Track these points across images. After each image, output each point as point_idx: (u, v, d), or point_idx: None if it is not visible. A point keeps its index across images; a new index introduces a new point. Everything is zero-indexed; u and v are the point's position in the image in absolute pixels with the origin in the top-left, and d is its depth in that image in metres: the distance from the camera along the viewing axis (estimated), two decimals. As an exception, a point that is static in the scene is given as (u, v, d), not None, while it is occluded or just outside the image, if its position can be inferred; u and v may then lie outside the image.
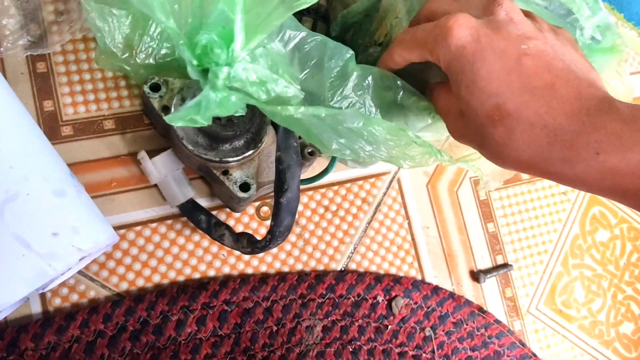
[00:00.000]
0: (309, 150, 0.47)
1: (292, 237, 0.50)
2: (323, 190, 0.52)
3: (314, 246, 0.51)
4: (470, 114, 0.34)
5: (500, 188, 0.58)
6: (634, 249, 0.62)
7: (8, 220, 0.36)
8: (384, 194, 0.54)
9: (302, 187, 0.51)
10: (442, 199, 0.56)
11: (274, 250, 0.49)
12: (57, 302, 0.43)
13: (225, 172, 0.43)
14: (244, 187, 0.43)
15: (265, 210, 0.50)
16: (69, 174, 0.41)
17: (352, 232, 0.52)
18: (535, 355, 0.55)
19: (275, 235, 0.40)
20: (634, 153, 0.29)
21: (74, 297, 0.44)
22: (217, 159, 0.42)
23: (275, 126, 0.41)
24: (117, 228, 0.46)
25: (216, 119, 0.41)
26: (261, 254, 0.49)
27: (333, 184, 0.53)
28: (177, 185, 0.45)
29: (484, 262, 0.56)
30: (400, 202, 0.54)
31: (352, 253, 0.52)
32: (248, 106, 0.35)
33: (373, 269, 0.52)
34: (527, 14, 0.36)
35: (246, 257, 0.49)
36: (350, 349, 0.49)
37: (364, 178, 0.54)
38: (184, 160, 0.45)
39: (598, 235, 0.61)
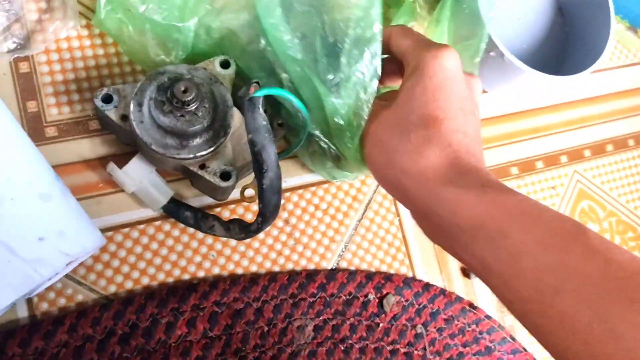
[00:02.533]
0: (279, 121, 0.46)
1: (282, 237, 0.50)
2: (313, 188, 0.52)
3: (304, 245, 0.51)
4: (401, 113, 0.37)
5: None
6: (622, 242, 0.62)
7: (-8, 226, 0.35)
8: (375, 191, 0.54)
9: (288, 181, 0.51)
10: (432, 195, 0.56)
11: (265, 250, 0.49)
12: (44, 306, 0.43)
13: (203, 166, 0.42)
14: (225, 175, 0.42)
15: (250, 192, 0.48)
16: (54, 177, 0.40)
17: (342, 231, 0.52)
18: (525, 350, 0.55)
19: (266, 217, 0.40)
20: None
21: (62, 302, 0.43)
22: (191, 156, 0.41)
23: (240, 107, 0.41)
24: (104, 230, 0.45)
25: (180, 116, 0.40)
26: (251, 254, 0.49)
27: (324, 182, 0.52)
28: (155, 188, 0.44)
29: (475, 258, 0.56)
30: (390, 199, 0.54)
31: (343, 251, 0.52)
32: (209, 96, 0.37)
33: (364, 267, 0.52)
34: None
35: (236, 257, 0.48)
36: (342, 348, 0.49)
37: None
38: (157, 164, 0.44)
39: (587, 229, 0.61)
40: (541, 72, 0.53)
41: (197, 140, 0.41)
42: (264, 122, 0.38)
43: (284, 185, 0.51)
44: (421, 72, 0.36)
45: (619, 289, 0.27)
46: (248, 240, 0.49)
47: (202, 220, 0.44)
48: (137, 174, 0.43)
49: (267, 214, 0.40)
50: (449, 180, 0.34)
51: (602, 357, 0.26)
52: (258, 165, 0.38)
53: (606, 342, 0.26)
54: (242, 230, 0.42)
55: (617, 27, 0.68)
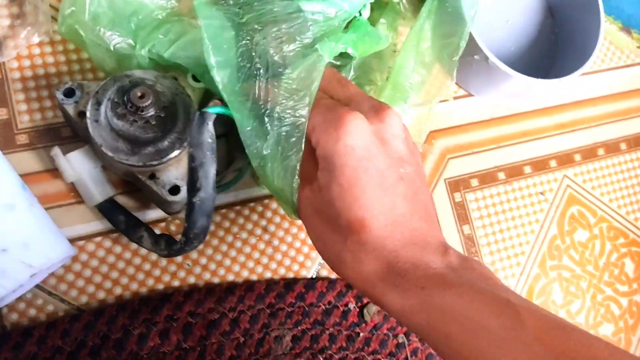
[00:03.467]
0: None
1: (260, 245, 0.49)
2: (293, 195, 0.51)
3: (283, 253, 0.50)
4: (330, 212, 0.35)
5: (476, 189, 0.57)
6: (613, 249, 0.61)
7: (-50, 239, 0.34)
8: (356, 197, 0.53)
9: (266, 189, 0.50)
10: (416, 201, 0.54)
11: (242, 258, 0.48)
12: (13, 317, 0.42)
13: (152, 176, 0.41)
14: (174, 190, 0.41)
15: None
16: (20, 186, 0.39)
17: (323, 238, 0.51)
18: (511, 359, 0.54)
19: (189, 238, 0.38)
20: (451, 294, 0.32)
21: (32, 312, 0.42)
22: (141, 164, 0.39)
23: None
24: (76, 239, 0.44)
25: (134, 121, 0.39)
26: (228, 263, 0.48)
27: (303, 189, 0.51)
28: (94, 183, 0.42)
29: (460, 266, 0.55)
30: (373, 205, 0.53)
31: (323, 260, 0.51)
32: (169, 106, 0.36)
33: (345, 274, 0.51)
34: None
35: (212, 266, 0.47)
36: (321, 358, 0.48)
37: (335, 182, 0.52)
38: (109, 166, 0.43)
39: (577, 235, 0.60)
40: (527, 76, 0.52)
41: (149, 149, 0.40)
42: (209, 140, 0.36)
43: (262, 192, 0.50)
44: (331, 165, 0.34)
45: None
46: (225, 248, 0.48)
47: (133, 228, 0.43)
48: (79, 164, 0.42)
49: (191, 235, 0.38)
50: (392, 285, 0.33)
51: None
52: (192, 182, 0.36)
53: None
54: (167, 247, 0.41)
55: (610, 28, 0.66)
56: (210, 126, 0.36)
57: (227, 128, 0.45)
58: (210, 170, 0.36)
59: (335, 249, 0.35)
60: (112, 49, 0.42)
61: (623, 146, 0.64)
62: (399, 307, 0.33)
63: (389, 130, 0.36)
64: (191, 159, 0.36)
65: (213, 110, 0.37)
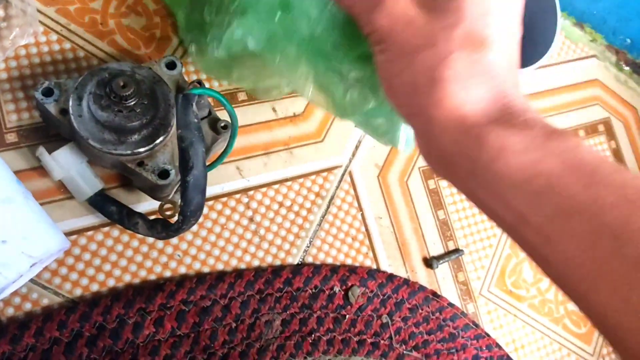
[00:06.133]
0: (222, 124, 0.47)
1: (247, 235, 0.51)
2: (276, 186, 0.53)
3: (269, 242, 0.52)
4: (456, 16, 0.30)
5: (449, 176, 0.60)
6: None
7: (-47, 230, 0.35)
8: (337, 187, 0.55)
9: (251, 180, 0.52)
10: (393, 189, 0.57)
11: (230, 248, 0.50)
12: (9, 311, 0.43)
13: (141, 164, 0.42)
14: (163, 174, 0.42)
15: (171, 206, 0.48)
16: (15, 181, 0.40)
17: (307, 226, 0.53)
18: (488, 335, 0.57)
19: (186, 216, 0.40)
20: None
21: (27, 306, 0.43)
22: (129, 152, 0.41)
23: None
24: (68, 234, 0.45)
25: (118, 111, 0.40)
26: (217, 252, 0.49)
27: (286, 180, 0.53)
28: (82, 179, 0.44)
29: (436, 249, 0.58)
30: (352, 194, 0.56)
31: (308, 247, 0.53)
32: (150, 93, 0.37)
33: (329, 261, 0.53)
34: None
35: (202, 256, 0.49)
36: (310, 341, 0.50)
37: (317, 172, 0.55)
38: (96, 161, 0.44)
39: (543, 217, 0.63)
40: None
41: (136, 137, 0.41)
42: (195, 120, 0.38)
43: (248, 183, 0.52)
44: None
45: None
46: (213, 239, 0.49)
47: (126, 216, 0.44)
48: (65, 161, 0.43)
49: (188, 213, 0.39)
50: (492, 121, 0.28)
51: None
52: (184, 162, 0.38)
53: None
54: (163, 229, 0.42)
55: (564, 23, 0.71)
56: (194, 107, 0.38)
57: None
58: (199, 149, 0.38)
59: (425, 60, 0.30)
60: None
61: (582, 133, 0.68)
62: (497, 144, 0.28)
63: None
64: (180, 139, 0.38)
65: (195, 91, 0.39)
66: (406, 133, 0.41)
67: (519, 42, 0.32)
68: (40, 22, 0.48)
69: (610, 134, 0.70)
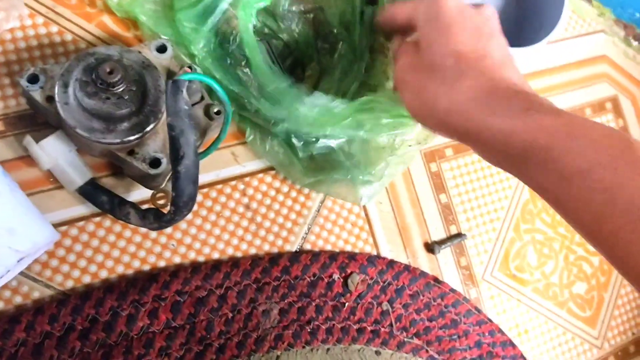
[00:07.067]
0: (216, 109, 0.45)
1: (244, 222, 0.50)
2: (274, 172, 0.51)
3: (267, 229, 0.50)
4: (432, 49, 0.39)
5: (451, 158, 0.58)
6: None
7: None
8: (335, 172, 0.54)
9: (247, 166, 0.50)
10: (393, 173, 0.56)
11: (226, 236, 0.49)
12: (-1, 305, 0.42)
13: (131, 152, 0.41)
14: (155, 163, 0.41)
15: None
16: (1, 173, 0.39)
17: (305, 213, 0.52)
18: (490, 320, 0.56)
19: (179, 207, 0.38)
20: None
21: (18, 299, 0.42)
22: (118, 141, 0.39)
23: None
24: (58, 225, 0.44)
25: (106, 98, 0.39)
26: (213, 241, 0.48)
27: (283, 165, 0.52)
28: (71, 168, 0.42)
29: (438, 234, 0.56)
30: (351, 179, 0.54)
31: (307, 234, 0.52)
32: (138, 79, 0.36)
33: (328, 247, 0.52)
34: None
35: (197, 245, 0.48)
36: (309, 330, 0.49)
37: (314, 157, 0.53)
38: (85, 149, 0.42)
39: (548, 199, 0.62)
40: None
41: (125, 125, 0.40)
42: (185, 107, 0.36)
43: (243, 170, 0.50)
44: (433, 16, 0.39)
45: None
46: (209, 227, 0.48)
47: (118, 206, 0.43)
48: (53, 150, 0.41)
49: (180, 204, 0.38)
50: (491, 110, 0.35)
51: None
52: (175, 151, 0.37)
53: None
54: (156, 219, 0.41)
55: (572, -2, 0.68)
56: (185, 93, 0.37)
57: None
58: (190, 137, 0.36)
59: (426, 87, 0.38)
60: None
61: (588, 111, 0.66)
62: (498, 128, 0.34)
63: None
64: (170, 128, 0.36)
65: (185, 77, 0.37)
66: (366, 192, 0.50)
67: (494, 38, 0.40)
68: (25, 4, 0.46)
69: (618, 111, 0.68)
